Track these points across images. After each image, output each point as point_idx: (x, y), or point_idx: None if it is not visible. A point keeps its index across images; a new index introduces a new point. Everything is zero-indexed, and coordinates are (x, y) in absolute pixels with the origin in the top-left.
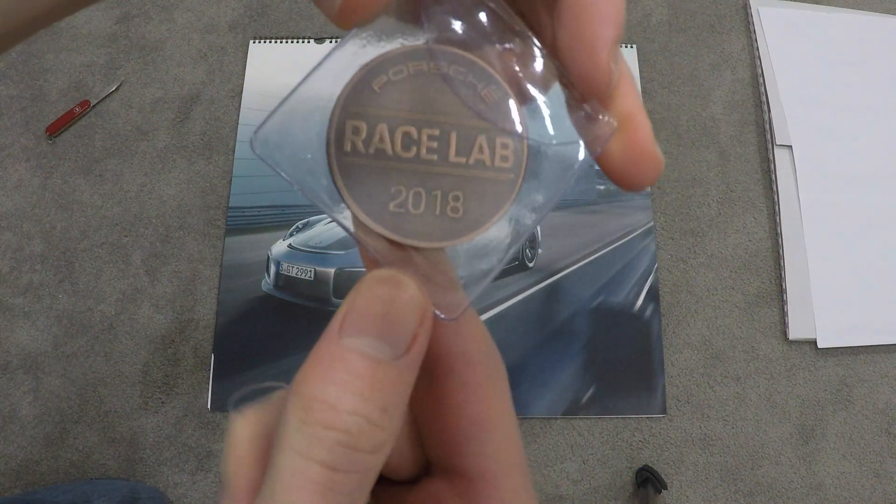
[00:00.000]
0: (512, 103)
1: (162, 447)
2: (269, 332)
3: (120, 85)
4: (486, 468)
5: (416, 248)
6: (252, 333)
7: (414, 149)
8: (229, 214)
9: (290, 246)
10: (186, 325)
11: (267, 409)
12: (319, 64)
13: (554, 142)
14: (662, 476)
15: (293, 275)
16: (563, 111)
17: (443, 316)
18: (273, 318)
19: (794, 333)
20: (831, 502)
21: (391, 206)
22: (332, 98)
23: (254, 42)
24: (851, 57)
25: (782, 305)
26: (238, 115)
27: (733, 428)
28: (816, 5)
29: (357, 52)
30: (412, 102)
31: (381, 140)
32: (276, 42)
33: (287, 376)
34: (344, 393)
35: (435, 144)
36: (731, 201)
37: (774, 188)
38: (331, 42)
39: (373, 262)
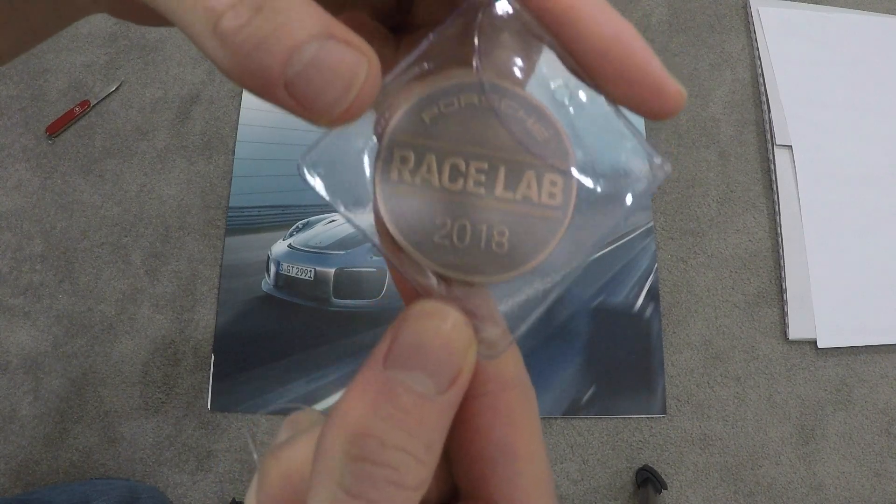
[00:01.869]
0: (563, 140)
1: (162, 447)
2: (269, 332)
3: (120, 85)
4: (514, 498)
5: (459, 282)
6: (252, 333)
7: (461, 181)
8: (229, 214)
9: (290, 246)
10: (186, 325)
11: (298, 445)
12: None
13: (604, 182)
14: (662, 476)
15: (293, 275)
16: (615, 150)
17: (485, 353)
18: (273, 318)
19: (794, 333)
20: (831, 502)
21: (436, 238)
22: (381, 127)
23: None
24: (851, 57)
25: (782, 305)
26: (238, 115)
27: (733, 428)
28: (816, 5)
29: (409, 83)
30: (462, 135)
31: (429, 170)
32: None
33: (287, 376)
34: (392, 428)
35: (483, 178)
36: (731, 201)
37: (774, 188)
38: None
39: (411, 294)
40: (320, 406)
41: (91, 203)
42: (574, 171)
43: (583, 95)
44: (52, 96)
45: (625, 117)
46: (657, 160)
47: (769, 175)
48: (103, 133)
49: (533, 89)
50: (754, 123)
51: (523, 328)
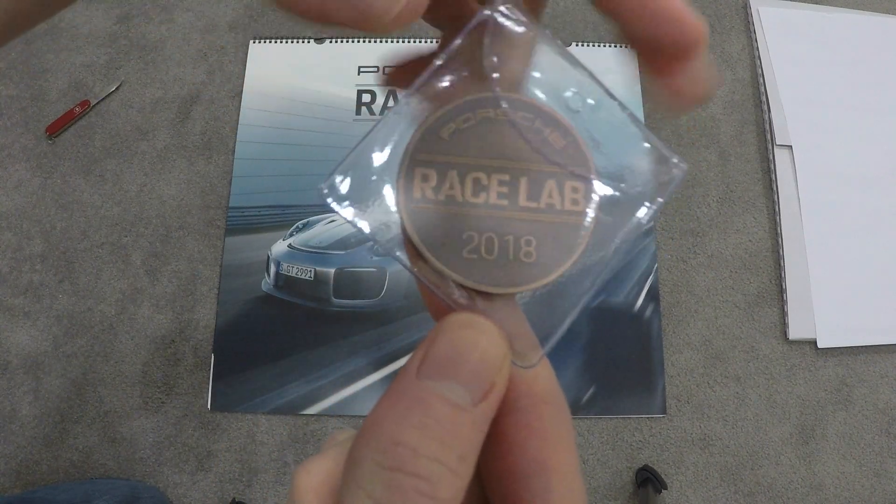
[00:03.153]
0: (580, 147)
1: (162, 447)
2: (269, 332)
3: (120, 85)
4: None
5: (490, 295)
6: (252, 333)
7: (484, 195)
8: (229, 214)
9: (290, 246)
10: (186, 325)
11: (329, 457)
12: (387, 113)
13: (624, 184)
14: (662, 476)
15: (293, 275)
16: (632, 153)
17: (520, 364)
18: (273, 318)
19: (794, 333)
20: (831, 502)
21: (464, 253)
22: (400, 147)
23: (254, 42)
24: (851, 57)
25: (782, 305)
26: (238, 115)
27: (733, 428)
28: (816, 5)
29: (423, 102)
30: (481, 149)
31: (451, 187)
32: (276, 42)
33: (287, 376)
34: (424, 438)
35: (505, 189)
36: (731, 201)
37: (774, 188)
38: (331, 42)
39: (440, 310)
40: (320, 406)
41: (91, 203)
42: (594, 176)
43: (596, 102)
44: (52, 96)
45: (639, 121)
46: (674, 159)
47: (769, 175)
48: (103, 133)
49: (547, 98)
50: (754, 123)
51: (557, 336)
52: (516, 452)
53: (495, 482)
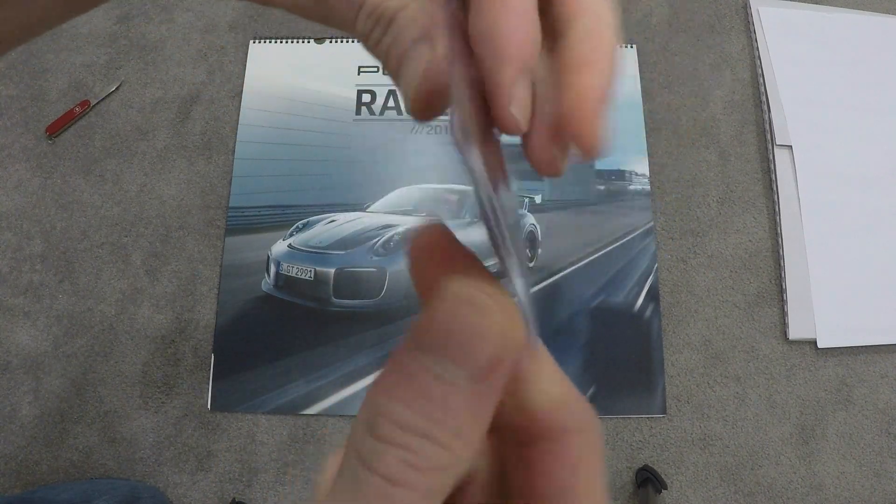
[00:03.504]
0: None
1: (162, 447)
2: (269, 332)
3: (120, 85)
4: None
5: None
6: (252, 333)
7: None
8: (229, 214)
9: (290, 246)
10: (186, 325)
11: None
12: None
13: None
14: (662, 476)
15: (293, 275)
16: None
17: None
18: (273, 318)
19: (794, 333)
20: (831, 502)
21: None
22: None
23: (254, 42)
24: (851, 57)
25: (782, 305)
26: (238, 115)
27: (733, 428)
28: (816, 5)
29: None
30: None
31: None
32: (276, 42)
33: (287, 376)
34: (408, 412)
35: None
36: (731, 201)
37: (774, 188)
38: (331, 42)
39: (427, 287)
40: (320, 406)
41: (91, 203)
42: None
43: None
44: (52, 96)
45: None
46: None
47: (769, 175)
48: (103, 133)
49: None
50: (754, 123)
51: (534, 322)
52: (544, 480)
53: (521, 498)
